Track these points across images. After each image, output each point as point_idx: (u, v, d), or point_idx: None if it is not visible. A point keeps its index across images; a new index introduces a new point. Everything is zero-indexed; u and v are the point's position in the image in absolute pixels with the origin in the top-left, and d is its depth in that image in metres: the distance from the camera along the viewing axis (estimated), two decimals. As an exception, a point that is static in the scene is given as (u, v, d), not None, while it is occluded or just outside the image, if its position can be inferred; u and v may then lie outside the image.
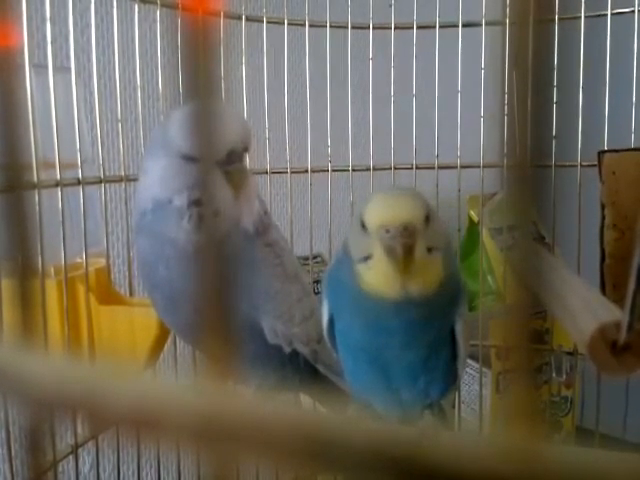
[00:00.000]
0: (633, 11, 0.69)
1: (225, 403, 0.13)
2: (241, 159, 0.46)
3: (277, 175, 0.76)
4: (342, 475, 0.12)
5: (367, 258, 0.40)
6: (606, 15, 0.71)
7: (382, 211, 0.40)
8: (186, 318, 0.46)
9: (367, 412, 0.46)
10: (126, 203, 0.63)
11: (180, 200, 0.46)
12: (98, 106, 0.62)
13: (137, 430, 0.14)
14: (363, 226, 0.40)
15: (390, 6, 0.77)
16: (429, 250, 0.40)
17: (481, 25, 0.77)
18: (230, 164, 0.45)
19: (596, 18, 0.72)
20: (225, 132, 0.45)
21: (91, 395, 0.15)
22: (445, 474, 0.11)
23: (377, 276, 0.40)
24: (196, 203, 0.46)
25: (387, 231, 0.39)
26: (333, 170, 0.77)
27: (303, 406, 0.72)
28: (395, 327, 0.41)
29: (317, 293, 0.72)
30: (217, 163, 0.44)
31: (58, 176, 0.54)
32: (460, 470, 0.11)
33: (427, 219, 0.40)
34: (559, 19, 0.73)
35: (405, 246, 0.38)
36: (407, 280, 0.39)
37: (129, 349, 0.53)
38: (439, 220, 0.42)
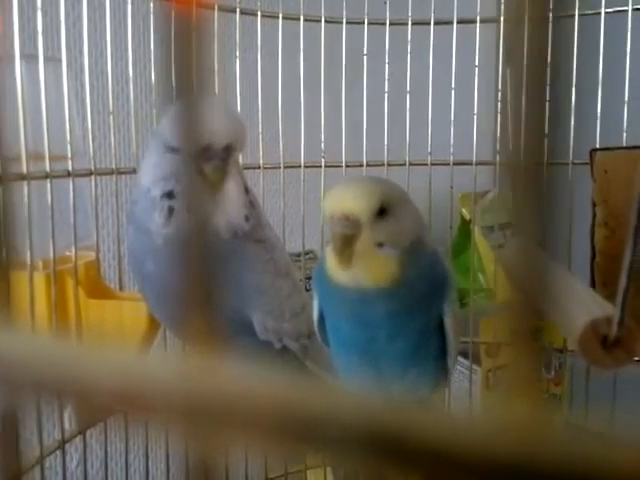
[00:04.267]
0: (627, 10, 0.70)
1: (213, 383, 0.13)
2: (222, 157, 0.44)
3: (270, 170, 0.76)
4: (331, 455, 0.12)
5: (328, 243, 0.41)
6: (600, 13, 0.71)
7: (331, 200, 0.40)
8: (174, 312, 0.46)
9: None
10: (117, 196, 0.63)
11: (155, 190, 0.46)
12: (90, 98, 0.61)
13: (125, 412, 0.14)
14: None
15: (385, 3, 0.76)
16: (379, 245, 0.39)
17: (476, 22, 0.77)
18: (207, 160, 0.44)
19: (590, 16, 0.72)
20: (202, 126, 0.44)
21: (78, 376, 0.14)
22: (438, 453, 0.11)
23: (330, 262, 0.41)
24: (168, 195, 0.45)
25: (332, 219, 0.39)
26: (326, 166, 0.77)
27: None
28: (371, 317, 0.41)
29: (309, 290, 0.71)
30: (193, 157, 0.44)
31: (48, 168, 0.53)
32: (454, 449, 0.11)
33: (383, 213, 0.39)
34: (553, 17, 0.73)
35: (342, 236, 0.38)
36: (350, 270, 0.39)
37: (119, 342, 0.53)
38: (407, 216, 0.41)
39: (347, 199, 0.39)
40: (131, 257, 0.50)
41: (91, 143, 0.61)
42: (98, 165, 0.61)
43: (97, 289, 0.56)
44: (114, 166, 0.63)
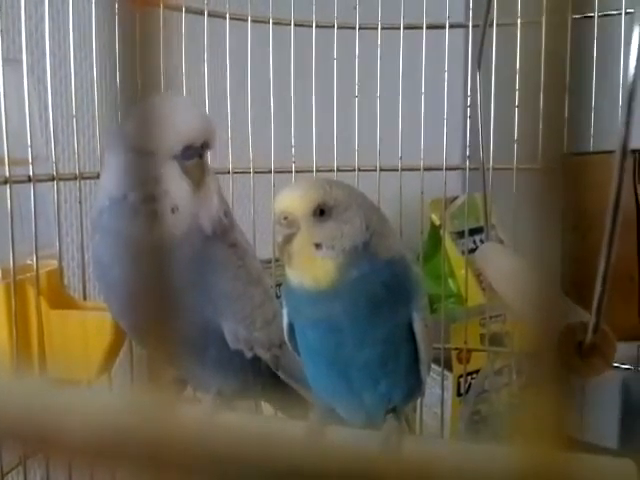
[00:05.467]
0: (593, 17, 0.71)
1: (166, 429, 0.12)
2: (200, 155, 0.45)
3: (239, 175, 0.74)
4: None
5: None
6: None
7: (276, 200, 0.41)
8: (143, 322, 0.44)
9: (329, 417, 0.45)
10: (80, 203, 0.61)
11: (134, 196, 0.44)
12: (53, 101, 0.59)
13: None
14: None
15: (354, 8, 0.76)
16: (317, 246, 0.40)
17: (445, 27, 0.77)
18: (188, 159, 0.44)
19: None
20: (181, 126, 0.44)
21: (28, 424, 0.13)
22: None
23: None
24: (150, 199, 0.44)
25: (275, 218, 0.40)
26: (297, 171, 0.76)
27: (264, 413, 0.71)
28: (328, 321, 0.41)
29: (279, 297, 0.70)
30: (174, 158, 0.44)
31: (7, 173, 0.51)
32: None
33: (322, 214, 0.40)
34: (521, 23, 0.73)
35: (284, 235, 0.39)
36: (294, 270, 0.40)
37: (82, 355, 0.51)
38: (351, 220, 0.41)
39: (286, 199, 0.40)
40: (98, 266, 0.48)
41: (53, 147, 0.59)
42: (61, 170, 0.59)
43: (60, 299, 0.54)
44: (77, 171, 0.61)
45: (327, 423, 0.44)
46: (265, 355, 0.50)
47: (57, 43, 0.70)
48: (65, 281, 0.59)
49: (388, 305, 0.41)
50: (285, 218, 0.40)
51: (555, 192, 0.12)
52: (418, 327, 0.43)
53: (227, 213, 0.49)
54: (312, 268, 0.40)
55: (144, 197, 0.44)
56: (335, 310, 0.40)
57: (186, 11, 0.71)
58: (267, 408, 0.70)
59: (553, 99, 0.13)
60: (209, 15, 0.72)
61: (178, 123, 0.44)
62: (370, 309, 0.40)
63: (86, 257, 0.60)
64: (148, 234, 0.43)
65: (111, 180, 0.46)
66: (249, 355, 0.49)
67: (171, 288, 0.48)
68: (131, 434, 0.12)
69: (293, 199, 0.40)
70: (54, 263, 0.56)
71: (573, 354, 0.37)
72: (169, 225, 0.44)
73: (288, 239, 0.40)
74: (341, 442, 0.43)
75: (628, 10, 0.71)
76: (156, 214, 0.44)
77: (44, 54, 0.61)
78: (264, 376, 0.51)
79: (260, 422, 0.47)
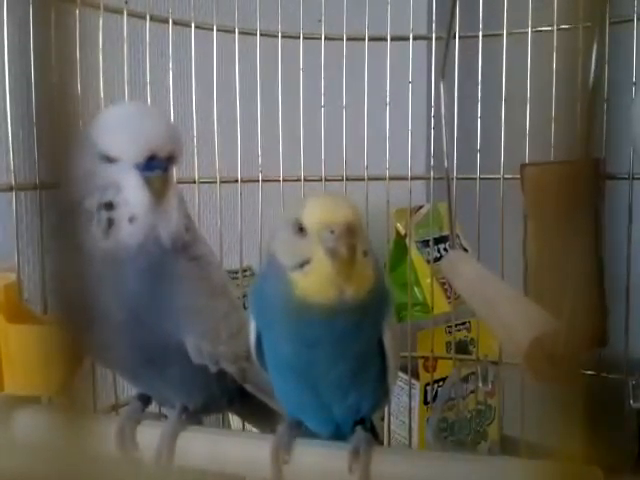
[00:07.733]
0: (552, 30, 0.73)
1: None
2: (165, 167, 0.44)
3: (206, 185, 0.74)
4: None
5: (304, 264, 0.38)
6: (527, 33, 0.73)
7: (325, 212, 0.38)
8: (101, 337, 0.43)
9: (297, 430, 0.45)
10: (41, 213, 0.59)
11: (90, 202, 0.43)
12: (12, 111, 0.58)
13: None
14: (300, 230, 0.39)
15: (319, 21, 0.77)
16: (365, 253, 0.39)
17: (409, 39, 0.79)
18: (151, 170, 0.43)
19: (519, 35, 0.75)
20: (146, 135, 0.43)
21: None
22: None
23: (315, 282, 0.38)
24: (107, 206, 0.43)
25: (331, 232, 0.37)
26: (264, 180, 0.76)
27: (231, 426, 0.70)
28: (325, 337, 0.39)
29: (247, 308, 0.70)
30: (137, 167, 0.43)
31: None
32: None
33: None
34: (483, 36, 0.75)
35: (350, 246, 0.37)
36: (345, 284, 0.38)
37: (43, 371, 0.49)
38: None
39: (345, 210, 0.39)
40: (52, 277, 0.47)
41: (12, 157, 0.57)
42: (22, 181, 0.58)
43: (18, 313, 0.52)
44: (37, 181, 0.59)
45: (295, 436, 0.43)
46: (231, 368, 0.49)
47: (18, 49, 0.68)
48: (26, 295, 0.57)
49: (372, 315, 0.41)
50: (350, 228, 0.38)
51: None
52: (387, 340, 0.43)
53: (189, 228, 0.47)
54: (361, 275, 0.39)
55: (101, 203, 0.43)
56: (346, 322, 0.39)
57: (151, 19, 0.70)
58: (235, 420, 0.69)
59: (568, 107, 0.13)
60: (174, 24, 0.72)
61: (143, 132, 0.43)
62: (364, 318, 0.40)
63: (47, 270, 0.58)
64: (102, 242, 0.42)
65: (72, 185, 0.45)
66: (214, 369, 0.48)
67: (123, 295, 0.46)
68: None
69: (353, 209, 0.39)
70: (12, 276, 0.55)
71: (544, 363, 0.37)
72: (124, 234, 0.43)
73: (354, 249, 0.38)
74: (309, 460, 0.42)
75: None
76: (112, 222, 0.43)
77: (3, 63, 0.59)
78: (230, 390, 0.50)
79: (225, 442, 0.45)
